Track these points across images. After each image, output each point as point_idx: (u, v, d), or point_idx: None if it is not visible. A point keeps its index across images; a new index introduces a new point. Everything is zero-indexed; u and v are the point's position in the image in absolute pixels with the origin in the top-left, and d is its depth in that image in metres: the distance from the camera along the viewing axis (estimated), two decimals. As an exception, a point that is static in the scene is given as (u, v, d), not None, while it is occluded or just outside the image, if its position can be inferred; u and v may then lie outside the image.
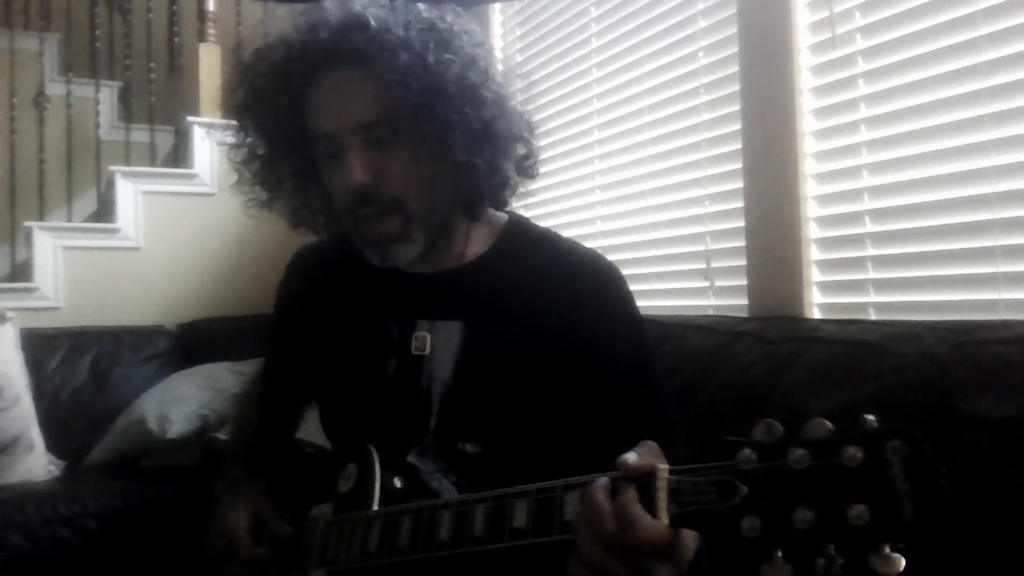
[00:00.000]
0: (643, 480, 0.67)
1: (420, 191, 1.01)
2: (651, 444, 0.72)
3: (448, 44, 0.99)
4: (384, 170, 0.98)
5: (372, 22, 0.96)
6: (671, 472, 0.66)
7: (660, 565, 0.67)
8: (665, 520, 0.65)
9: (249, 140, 1.08)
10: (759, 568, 0.57)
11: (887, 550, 0.54)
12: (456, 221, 1.08)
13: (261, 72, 1.02)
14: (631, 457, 0.69)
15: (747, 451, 0.61)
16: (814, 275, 1.61)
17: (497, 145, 1.02)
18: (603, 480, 0.70)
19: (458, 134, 0.98)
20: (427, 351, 1.05)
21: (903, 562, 0.54)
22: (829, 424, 0.58)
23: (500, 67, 1.05)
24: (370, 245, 1.03)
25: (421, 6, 1.01)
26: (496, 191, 1.07)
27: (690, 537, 0.68)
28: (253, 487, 1.17)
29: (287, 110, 1.02)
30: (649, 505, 0.65)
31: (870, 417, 0.57)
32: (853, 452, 0.56)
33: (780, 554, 0.57)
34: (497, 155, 1.03)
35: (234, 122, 1.08)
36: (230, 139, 1.10)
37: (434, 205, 1.03)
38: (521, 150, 1.07)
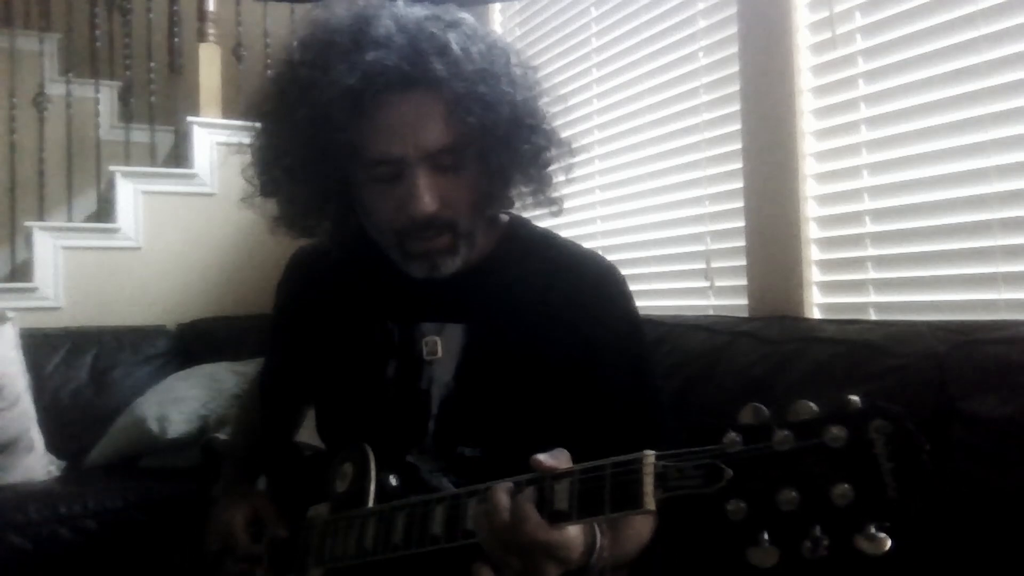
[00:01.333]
0: (582, 475, 0.72)
1: (472, 212, 1.01)
2: (564, 452, 0.79)
3: (517, 71, 0.99)
4: (446, 195, 0.97)
5: (454, 47, 0.94)
6: (657, 457, 0.67)
7: (548, 562, 0.74)
8: (651, 505, 0.66)
9: (281, 155, 1.02)
10: (745, 551, 0.58)
11: (872, 530, 0.54)
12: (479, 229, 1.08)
13: (327, 90, 0.93)
14: (544, 456, 0.77)
15: (732, 434, 0.61)
16: (814, 275, 1.61)
17: (547, 167, 1.05)
18: (507, 483, 0.77)
19: (527, 162, 1.00)
20: (439, 355, 1.05)
21: (888, 542, 0.54)
22: (814, 406, 0.59)
23: (545, 87, 1.06)
24: (415, 259, 1.02)
25: (476, 24, 1.00)
26: (512, 197, 1.08)
27: (577, 538, 0.74)
28: (250, 489, 1.17)
29: (349, 132, 0.96)
30: (634, 491, 0.67)
31: (854, 397, 0.58)
32: (837, 432, 0.56)
33: (766, 536, 0.57)
34: (545, 176, 1.05)
35: (268, 135, 1.03)
36: (253, 149, 1.05)
37: (479, 221, 1.04)
38: (559, 167, 1.08)
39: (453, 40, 0.94)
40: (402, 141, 0.95)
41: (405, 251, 1.02)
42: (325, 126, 0.95)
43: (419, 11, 0.98)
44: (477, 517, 0.78)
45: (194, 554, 1.18)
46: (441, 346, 1.05)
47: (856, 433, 0.56)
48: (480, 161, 0.98)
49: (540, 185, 1.05)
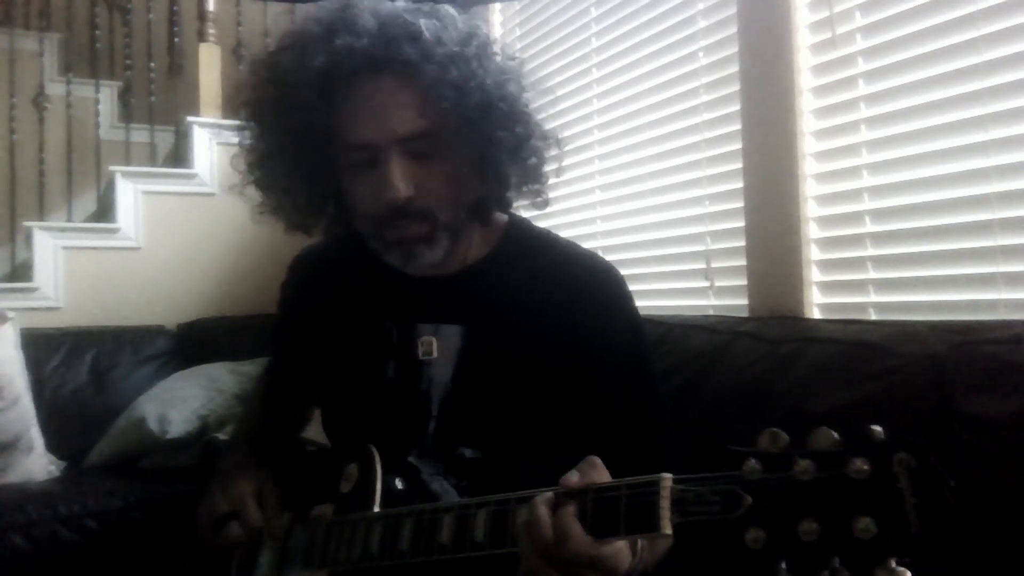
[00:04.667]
0: (596, 494, 0.71)
1: (451, 202, 1.00)
2: (594, 460, 0.76)
3: (493, 58, 0.98)
4: (422, 183, 0.97)
5: (425, 33, 0.94)
6: (675, 481, 0.66)
7: (596, 574, 0.71)
8: (668, 529, 0.65)
9: (261, 142, 1.04)
10: None
11: (893, 564, 0.54)
12: (467, 225, 1.07)
13: (297, 74, 0.97)
14: (572, 475, 0.74)
15: (752, 461, 0.60)
16: (814, 275, 1.61)
17: (531, 159, 1.03)
18: (548, 494, 0.74)
19: (502, 150, 0.98)
20: (434, 355, 1.04)
21: None
22: (835, 435, 0.58)
23: (529, 79, 1.05)
24: (393, 247, 1.01)
25: (456, 15, 0.99)
26: (508, 197, 1.07)
27: (624, 549, 0.72)
28: (260, 471, 1.15)
29: (320, 115, 0.98)
30: (650, 514, 0.66)
31: (877, 428, 0.57)
32: (860, 464, 0.56)
33: (785, 566, 0.57)
34: (530, 168, 1.03)
35: (247, 121, 1.04)
36: (240, 139, 1.06)
37: (460, 213, 1.03)
38: (546, 162, 1.07)
39: (424, 26, 0.94)
40: (374, 126, 0.96)
41: (383, 240, 1.01)
42: (295, 110, 0.97)
43: (400, 4, 0.99)
44: (519, 530, 0.76)
45: (185, 545, 1.16)
46: (437, 346, 1.04)
47: (879, 466, 0.55)
48: (457, 148, 0.97)
49: (524, 176, 1.04)
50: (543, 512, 0.72)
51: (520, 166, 1.02)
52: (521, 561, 0.74)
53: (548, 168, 1.07)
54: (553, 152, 1.07)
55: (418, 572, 0.88)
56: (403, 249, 1.01)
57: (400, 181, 0.95)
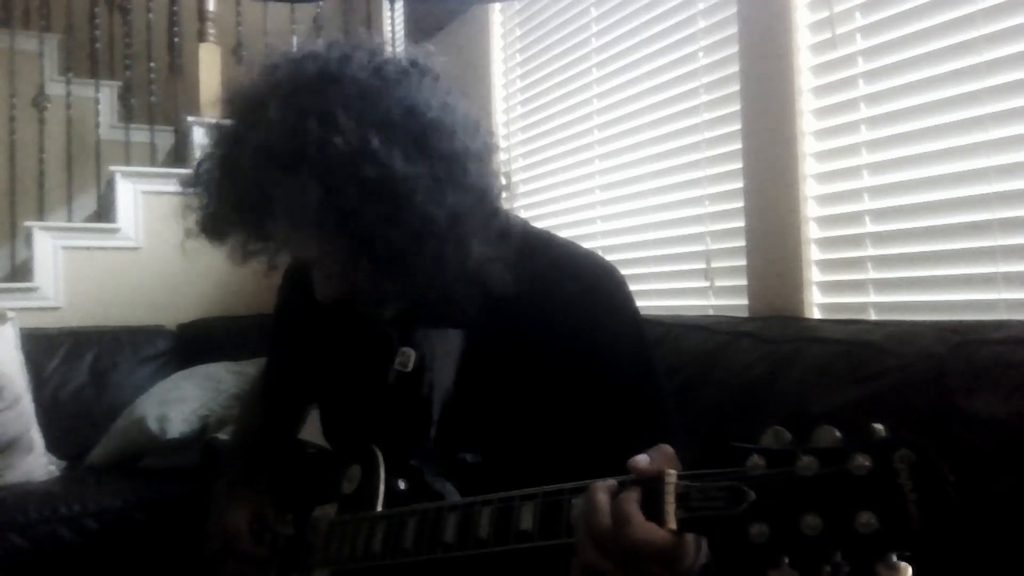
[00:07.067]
0: (650, 484, 0.67)
1: (390, 288, 0.98)
2: (666, 448, 0.71)
3: (388, 142, 0.89)
4: (350, 280, 0.98)
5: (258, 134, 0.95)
6: (680, 477, 0.66)
7: (657, 568, 0.66)
8: (673, 525, 0.65)
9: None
10: (766, 574, 0.58)
11: (894, 558, 0.54)
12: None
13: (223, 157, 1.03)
14: (642, 459, 0.69)
15: (755, 457, 0.61)
16: (814, 275, 1.61)
17: (445, 236, 0.93)
18: (609, 481, 0.70)
19: (398, 233, 0.90)
20: (409, 368, 1.04)
21: (910, 571, 0.54)
22: (837, 432, 0.59)
23: (468, 118, 0.96)
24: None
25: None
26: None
27: (690, 543, 0.67)
28: (253, 488, 1.17)
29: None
30: (657, 509, 0.65)
31: (878, 426, 0.57)
32: (861, 460, 0.56)
33: (787, 561, 0.57)
34: (448, 245, 0.94)
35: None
36: (192, 203, 1.10)
37: (406, 288, 0.99)
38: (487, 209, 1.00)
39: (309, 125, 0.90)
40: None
41: None
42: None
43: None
44: (575, 519, 0.71)
45: (193, 554, 1.18)
46: (416, 358, 1.04)
47: (881, 462, 0.56)
48: (351, 246, 0.93)
49: (440, 258, 0.94)
50: (601, 498, 0.68)
51: (433, 246, 0.93)
52: (576, 554, 0.70)
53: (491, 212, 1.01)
54: (489, 202, 1.00)
55: (421, 571, 0.88)
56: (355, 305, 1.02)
57: (324, 288, 1.00)
